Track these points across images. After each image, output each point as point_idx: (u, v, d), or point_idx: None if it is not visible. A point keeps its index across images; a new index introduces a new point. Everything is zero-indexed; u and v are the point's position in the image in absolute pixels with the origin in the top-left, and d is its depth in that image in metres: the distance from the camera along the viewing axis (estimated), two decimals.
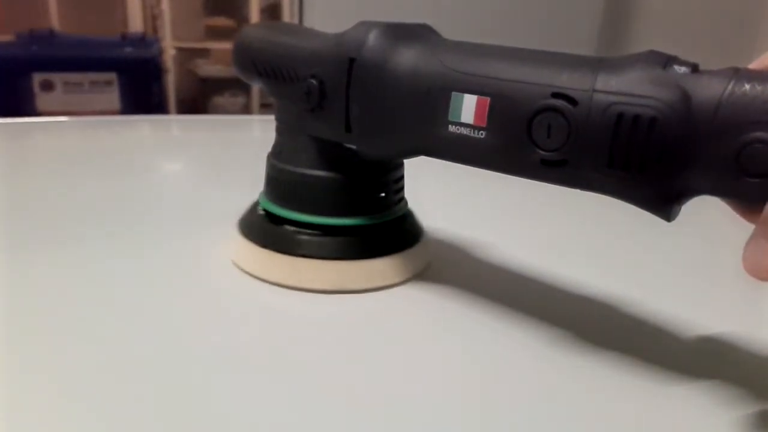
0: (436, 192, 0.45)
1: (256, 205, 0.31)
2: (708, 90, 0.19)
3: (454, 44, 0.25)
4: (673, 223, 0.21)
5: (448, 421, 0.20)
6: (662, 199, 0.21)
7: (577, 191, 0.22)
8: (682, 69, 0.19)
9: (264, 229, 0.30)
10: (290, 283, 0.29)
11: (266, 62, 0.29)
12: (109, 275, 0.29)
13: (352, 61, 0.25)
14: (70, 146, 0.59)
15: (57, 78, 1.73)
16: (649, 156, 0.20)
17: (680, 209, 0.21)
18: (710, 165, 0.19)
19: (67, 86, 1.75)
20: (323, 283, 0.28)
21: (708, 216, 0.32)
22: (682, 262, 0.37)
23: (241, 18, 2.24)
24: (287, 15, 1.89)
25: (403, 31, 0.25)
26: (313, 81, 0.27)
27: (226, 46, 2.21)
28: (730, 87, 0.18)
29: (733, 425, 0.21)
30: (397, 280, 0.29)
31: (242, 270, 0.30)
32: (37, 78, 1.71)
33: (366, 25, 0.26)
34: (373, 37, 0.25)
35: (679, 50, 0.20)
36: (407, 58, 0.24)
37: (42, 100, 1.72)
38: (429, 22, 0.27)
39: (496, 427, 0.21)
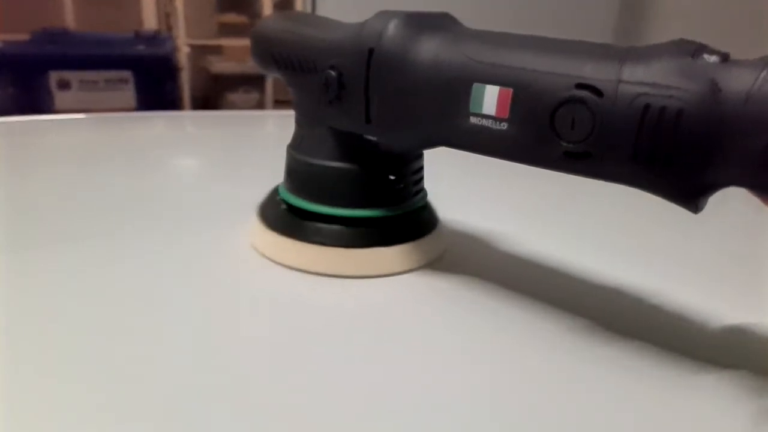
0: (454, 181, 0.45)
1: (274, 194, 0.31)
2: (738, 81, 0.18)
3: (475, 34, 0.24)
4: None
5: (460, 409, 0.20)
6: (689, 191, 0.20)
7: (599, 181, 0.22)
8: (712, 58, 0.19)
9: (284, 218, 0.30)
10: (304, 267, 0.29)
11: (284, 53, 0.29)
12: (134, 267, 0.30)
13: (371, 51, 0.25)
14: (88, 143, 0.59)
15: (73, 76, 1.75)
16: (676, 149, 0.19)
17: (707, 201, 0.21)
18: (739, 157, 0.18)
19: (82, 84, 1.77)
20: (332, 268, 0.28)
21: (734, 206, 0.31)
22: (707, 252, 0.36)
23: (254, 14, 2.25)
24: (300, 9, 1.89)
25: (423, 20, 0.25)
26: (332, 72, 0.27)
27: (239, 42, 2.22)
28: (761, 78, 0.18)
29: (761, 414, 0.20)
30: (409, 267, 0.29)
31: (265, 257, 0.30)
32: (54, 76, 1.73)
33: (385, 15, 0.25)
34: (392, 27, 0.25)
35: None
36: (428, 48, 0.24)
37: (59, 98, 1.74)
38: None
39: (516, 417, 0.20)
